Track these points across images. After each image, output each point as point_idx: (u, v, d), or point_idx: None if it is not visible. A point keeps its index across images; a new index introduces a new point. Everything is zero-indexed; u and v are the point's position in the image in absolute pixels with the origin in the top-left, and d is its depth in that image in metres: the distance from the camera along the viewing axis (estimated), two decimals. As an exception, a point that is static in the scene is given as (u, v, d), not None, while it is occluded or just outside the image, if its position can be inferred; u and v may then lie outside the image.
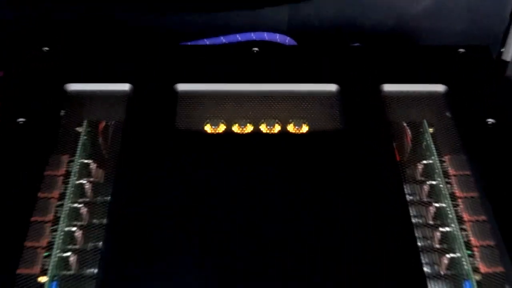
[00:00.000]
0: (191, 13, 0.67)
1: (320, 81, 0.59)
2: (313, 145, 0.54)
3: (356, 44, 0.68)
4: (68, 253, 0.46)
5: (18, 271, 0.44)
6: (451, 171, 0.52)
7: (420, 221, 0.50)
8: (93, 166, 0.53)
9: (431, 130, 0.56)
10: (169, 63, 0.60)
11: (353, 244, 0.46)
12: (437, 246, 0.48)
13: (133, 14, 0.68)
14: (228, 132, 0.56)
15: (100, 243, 0.47)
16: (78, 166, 0.52)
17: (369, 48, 0.63)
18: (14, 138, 0.53)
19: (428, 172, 0.53)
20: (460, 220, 0.49)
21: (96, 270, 0.45)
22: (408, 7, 0.68)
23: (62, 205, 0.49)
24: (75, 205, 0.50)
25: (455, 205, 0.50)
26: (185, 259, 0.45)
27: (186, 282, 0.44)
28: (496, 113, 0.54)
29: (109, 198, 0.50)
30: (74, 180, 0.51)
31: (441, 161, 0.53)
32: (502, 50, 0.69)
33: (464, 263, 0.46)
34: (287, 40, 0.67)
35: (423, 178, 0.53)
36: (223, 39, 0.67)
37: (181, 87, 0.59)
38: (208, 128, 0.57)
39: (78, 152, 0.53)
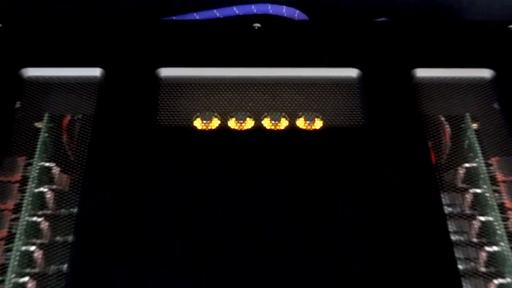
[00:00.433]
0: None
1: (337, 65, 0.60)
2: (328, 145, 0.55)
3: (381, 19, 0.68)
4: (26, 278, 0.47)
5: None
6: (499, 176, 0.52)
7: (462, 238, 0.50)
8: (56, 170, 0.53)
9: (475, 125, 0.56)
10: (150, 43, 0.61)
11: (385, 270, 0.47)
12: (483, 269, 0.49)
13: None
14: (223, 129, 0.56)
15: (65, 266, 0.47)
16: (37, 171, 0.52)
17: (397, 23, 0.64)
18: (-43, 135, 0.54)
19: (472, 178, 0.53)
20: (512, 237, 0.51)
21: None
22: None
23: (17, 218, 0.50)
24: (34, 218, 0.50)
25: (505, 219, 0.50)
26: (172, 269, 0.47)
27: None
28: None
29: (75, 210, 0.51)
30: (32, 188, 0.51)
31: (488, 165, 0.53)
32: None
33: (516, 290, 0.48)
34: (296, 14, 0.67)
35: (465, 186, 0.53)
36: (216, 13, 0.67)
37: (165, 72, 0.59)
38: (198, 124, 0.57)
39: (37, 153, 0.53)
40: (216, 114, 0.57)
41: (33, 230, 0.49)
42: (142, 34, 0.61)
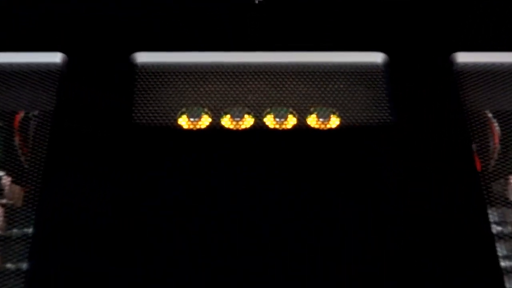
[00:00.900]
0: None
1: (358, 49, 0.60)
2: (346, 148, 0.55)
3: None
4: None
5: None
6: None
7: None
8: (6, 181, 0.53)
9: (530, 123, 0.58)
10: (123, 20, 0.61)
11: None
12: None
13: None
14: (215, 128, 0.56)
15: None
16: (-18, 181, 0.54)
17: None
18: None
19: (527, 190, 0.55)
20: None
21: None
22: None
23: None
24: (-22, 241, 0.51)
25: None
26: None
27: None
28: None
29: (30, 230, 0.50)
30: (-24, 202, 0.53)
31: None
32: None
33: None
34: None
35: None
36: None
37: (142, 57, 0.59)
38: (184, 122, 0.57)
39: (-18, 159, 0.55)
40: (206, 109, 0.57)
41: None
42: (113, 10, 0.61)
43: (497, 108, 0.57)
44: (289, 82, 0.59)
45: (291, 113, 0.57)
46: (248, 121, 0.57)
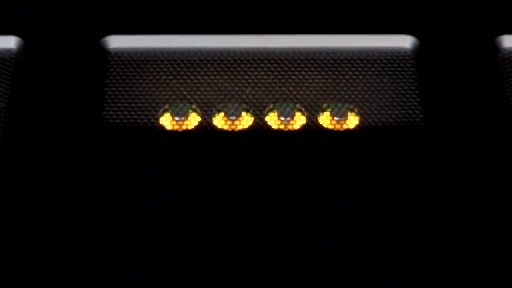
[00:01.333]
0: None
1: (381, 31, 0.60)
2: (368, 152, 0.55)
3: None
4: None
5: None
6: None
7: None
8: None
9: None
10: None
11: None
12: None
13: None
14: (206, 129, 0.56)
15: None
16: None
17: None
18: None
19: None
20: None
21: None
22: None
23: None
24: None
25: None
26: None
27: None
28: None
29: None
30: None
31: None
32: None
33: None
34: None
35: None
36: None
37: (116, 41, 0.59)
38: (167, 121, 0.57)
39: None
40: (194, 106, 0.57)
41: None
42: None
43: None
44: (296, 72, 0.58)
45: (299, 110, 0.57)
46: (246, 121, 0.56)
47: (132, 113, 0.57)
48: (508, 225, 0.51)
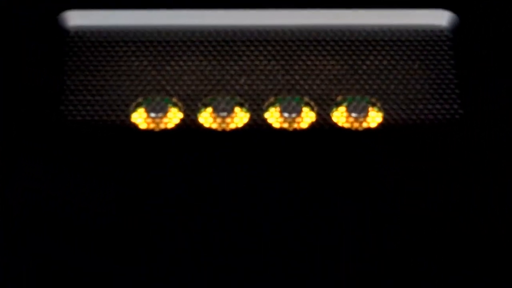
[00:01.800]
0: None
1: (411, 5, 0.61)
2: (393, 156, 0.55)
3: None
4: None
5: None
6: None
7: None
8: None
9: None
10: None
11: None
12: None
13: None
14: (189, 127, 0.57)
15: None
16: None
17: None
18: None
19: None
20: None
21: None
22: None
23: None
24: None
25: None
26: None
27: None
28: None
29: None
30: None
31: None
32: None
33: None
34: None
35: None
36: None
37: (76, 18, 0.60)
38: (140, 118, 0.57)
39: None
40: (175, 100, 0.57)
41: None
42: None
43: None
44: (304, 57, 0.59)
45: (307, 104, 0.57)
46: (240, 118, 0.57)
47: (97, 108, 0.57)
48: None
